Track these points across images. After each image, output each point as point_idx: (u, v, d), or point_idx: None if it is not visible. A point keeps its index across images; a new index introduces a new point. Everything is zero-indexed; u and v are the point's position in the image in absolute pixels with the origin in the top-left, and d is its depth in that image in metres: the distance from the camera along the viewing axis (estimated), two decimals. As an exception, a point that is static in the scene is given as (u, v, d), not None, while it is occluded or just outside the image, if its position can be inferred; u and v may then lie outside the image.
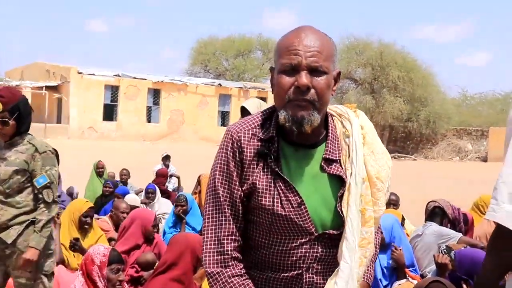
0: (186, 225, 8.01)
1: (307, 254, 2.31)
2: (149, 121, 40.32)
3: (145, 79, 39.73)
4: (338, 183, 2.33)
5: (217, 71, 53.44)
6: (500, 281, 2.58)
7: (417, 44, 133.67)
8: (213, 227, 2.32)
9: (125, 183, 11.69)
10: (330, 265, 2.35)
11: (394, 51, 43.65)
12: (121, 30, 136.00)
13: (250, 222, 2.34)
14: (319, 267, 2.34)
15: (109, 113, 38.79)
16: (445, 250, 5.71)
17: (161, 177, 11.97)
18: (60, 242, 5.97)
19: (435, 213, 6.99)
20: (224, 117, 42.76)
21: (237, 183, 2.30)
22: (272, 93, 2.33)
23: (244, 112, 6.78)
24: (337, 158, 2.34)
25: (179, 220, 7.97)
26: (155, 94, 40.38)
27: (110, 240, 6.76)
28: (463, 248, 6.13)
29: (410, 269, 6.20)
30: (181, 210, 7.95)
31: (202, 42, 54.39)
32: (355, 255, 2.32)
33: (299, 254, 2.31)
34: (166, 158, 14.75)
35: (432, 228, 6.74)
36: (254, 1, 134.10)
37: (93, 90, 37.69)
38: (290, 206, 2.26)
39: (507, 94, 51.75)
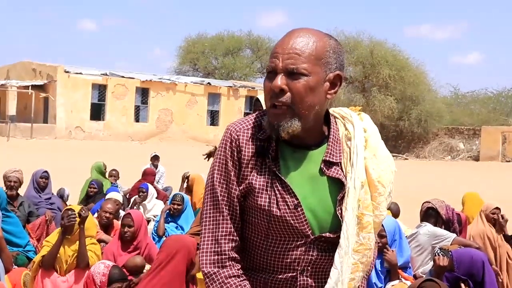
0: (176, 223, 8.12)
1: (302, 256, 2.29)
2: (137, 120, 40.16)
3: (133, 78, 39.57)
4: (337, 186, 2.30)
5: (206, 69, 53.33)
6: None
7: (411, 43, 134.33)
8: (211, 227, 2.30)
9: (114, 183, 11.55)
10: (325, 269, 2.32)
11: (385, 49, 43.71)
12: (110, 29, 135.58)
13: (246, 223, 2.32)
14: (313, 270, 2.31)
15: (97, 112, 38.58)
16: (442, 252, 5.68)
17: (150, 176, 11.84)
18: (58, 248, 5.79)
19: (429, 214, 7.04)
20: (213, 116, 42.66)
21: (235, 183, 2.28)
22: None
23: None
24: (338, 160, 2.31)
25: (171, 218, 8.02)
26: (144, 93, 40.21)
27: (99, 241, 6.60)
28: (458, 248, 6.12)
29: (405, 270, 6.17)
30: (176, 209, 8.08)
31: (191, 41, 54.28)
32: (349, 260, 2.28)
33: (293, 257, 2.29)
34: (154, 158, 14.64)
35: (426, 228, 6.79)
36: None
37: (80, 89, 37.46)
38: (286, 207, 2.24)
39: (499, 92, 51.91)
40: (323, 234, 2.28)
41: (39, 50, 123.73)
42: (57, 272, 5.81)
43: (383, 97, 41.36)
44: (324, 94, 2.26)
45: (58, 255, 5.84)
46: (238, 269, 2.28)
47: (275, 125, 2.21)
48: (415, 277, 6.48)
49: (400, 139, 42.95)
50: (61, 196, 9.97)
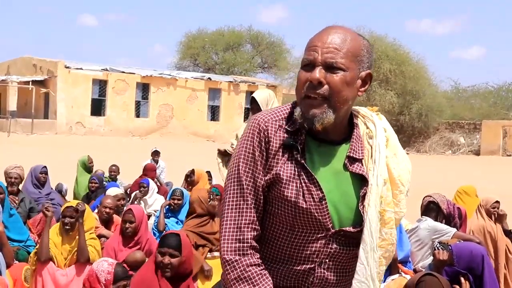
0: (176, 218, 8.14)
1: (322, 249, 2.33)
2: (137, 116, 40.10)
3: (134, 73, 39.49)
4: (359, 182, 2.36)
5: (206, 65, 53.27)
6: None
7: (411, 38, 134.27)
8: (234, 214, 2.31)
9: (114, 179, 11.57)
10: (342, 263, 2.38)
11: (386, 43, 43.61)
12: (111, 24, 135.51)
13: (267, 213, 2.36)
14: (331, 263, 2.36)
15: (97, 108, 38.53)
16: (441, 246, 5.69)
17: (150, 171, 11.84)
18: (48, 238, 5.82)
19: (430, 208, 7.03)
20: (214, 111, 42.61)
21: (261, 172, 2.31)
22: None
23: (254, 102, 6.72)
24: (361, 157, 2.37)
25: (171, 213, 8.03)
26: (144, 88, 40.15)
27: (100, 236, 6.61)
28: (458, 242, 6.12)
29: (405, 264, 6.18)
30: (176, 204, 8.10)
31: (191, 36, 54.21)
32: (374, 255, 2.36)
33: (313, 249, 2.33)
34: (155, 154, 14.63)
35: (427, 223, 6.79)
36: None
37: (81, 84, 37.40)
38: (311, 199, 2.28)
39: (500, 86, 51.78)
40: (344, 228, 2.33)
41: (40, 46, 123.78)
42: (55, 265, 5.82)
43: (383, 92, 41.29)
44: (356, 91, 2.32)
45: (57, 248, 5.85)
46: (258, 258, 2.30)
47: (310, 116, 2.26)
48: (415, 271, 6.49)
49: (400, 133, 42.84)
50: (60, 191, 9.98)
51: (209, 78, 42.56)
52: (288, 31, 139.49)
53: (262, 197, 2.32)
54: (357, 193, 2.34)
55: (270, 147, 2.31)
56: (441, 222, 6.96)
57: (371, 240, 2.33)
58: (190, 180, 10.17)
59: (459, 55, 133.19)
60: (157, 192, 10.32)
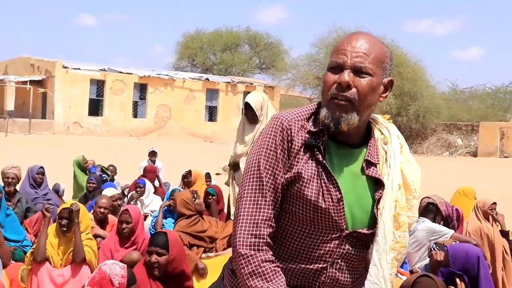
0: (174, 219, 8.01)
1: (335, 249, 2.38)
2: (135, 116, 40.06)
3: (131, 74, 39.42)
4: (374, 186, 2.42)
5: (204, 65, 53.23)
6: None
7: (410, 38, 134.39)
8: (252, 210, 2.33)
9: (111, 179, 11.57)
10: (353, 264, 2.44)
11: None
12: (110, 24, 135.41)
13: (283, 211, 2.39)
14: (343, 263, 2.41)
15: (95, 108, 38.47)
16: (438, 247, 5.70)
17: (150, 173, 11.83)
18: (45, 239, 5.81)
19: (429, 210, 7.03)
20: (211, 112, 42.59)
21: (282, 170, 2.34)
22: None
23: (248, 107, 6.70)
24: (376, 162, 2.44)
25: (169, 213, 7.98)
26: (142, 89, 40.11)
27: (95, 236, 6.60)
28: (454, 243, 6.13)
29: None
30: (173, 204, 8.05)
31: (189, 36, 54.16)
32: (387, 257, 2.41)
33: (327, 249, 2.38)
34: (152, 154, 14.63)
35: (425, 224, 6.79)
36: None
37: (79, 84, 37.36)
38: (330, 200, 2.33)
39: (498, 88, 51.74)
40: (357, 230, 2.39)
41: (38, 46, 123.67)
42: (51, 266, 5.81)
43: (381, 93, 41.24)
44: (378, 97, 2.40)
45: (54, 249, 5.84)
46: (271, 255, 2.33)
47: (336, 116, 2.31)
48: (411, 272, 6.49)
49: (398, 135, 42.86)
50: (57, 191, 9.98)
51: (207, 79, 42.53)
52: (288, 31, 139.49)
53: (280, 195, 2.36)
54: (373, 196, 2.41)
55: (293, 146, 2.35)
56: (439, 223, 6.96)
57: (385, 242, 2.40)
58: (187, 181, 10.16)
59: (458, 56, 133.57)
60: (155, 193, 10.32)
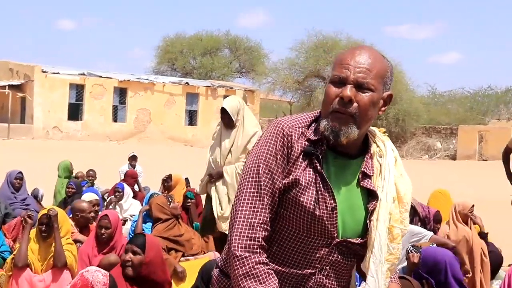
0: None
1: (325, 256, 2.43)
2: (115, 120, 39.87)
3: (111, 78, 39.27)
4: (368, 197, 2.46)
5: (184, 69, 53.13)
6: None
7: (390, 43, 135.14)
8: (248, 213, 2.36)
9: (91, 183, 11.51)
10: (341, 271, 2.50)
11: (363, 49, 43.70)
12: (89, 29, 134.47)
13: (278, 216, 2.43)
14: (331, 270, 2.46)
15: (75, 112, 38.25)
16: (414, 250, 5.73)
17: (130, 178, 11.79)
18: (27, 244, 5.78)
19: (406, 212, 6.99)
20: (191, 116, 42.51)
21: (280, 175, 2.38)
22: None
23: (224, 112, 6.70)
24: (371, 174, 2.47)
25: (149, 218, 7.88)
26: (121, 93, 39.96)
27: (75, 241, 6.57)
28: (430, 246, 6.16)
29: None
30: None
31: (169, 40, 54.04)
32: (382, 268, 2.46)
33: (317, 255, 2.42)
34: (133, 159, 14.58)
35: (404, 226, 6.74)
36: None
37: (58, 89, 37.14)
38: (325, 208, 2.37)
39: (476, 92, 52.13)
40: (348, 239, 2.44)
41: (17, 50, 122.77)
42: (32, 271, 5.77)
43: (361, 97, 41.38)
44: (378, 111, 2.43)
45: (34, 254, 5.81)
46: (265, 257, 2.37)
47: (336, 129, 2.35)
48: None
49: (378, 138, 43.01)
50: (35, 196, 9.92)
51: (187, 83, 42.45)
52: (268, 35, 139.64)
53: (277, 200, 2.39)
54: (365, 207, 2.45)
55: (292, 153, 2.39)
56: (417, 225, 7.01)
57: (380, 254, 2.44)
58: (167, 185, 10.15)
59: (436, 60, 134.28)
60: (134, 197, 10.29)
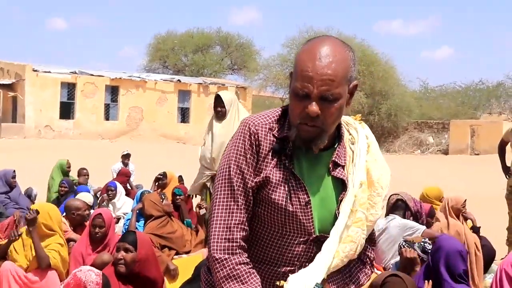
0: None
1: (303, 253, 2.41)
2: (107, 118, 39.78)
3: (103, 76, 39.17)
4: (340, 187, 2.43)
5: (176, 67, 53.05)
6: None
7: (382, 38, 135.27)
8: (224, 214, 2.35)
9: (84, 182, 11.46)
10: None
11: (354, 44, 43.75)
12: (81, 27, 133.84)
13: (255, 215, 2.42)
14: None
15: (66, 111, 38.15)
16: (407, 245, 5.70)
17: (123, 176, 11.78)
18: (40, 247, 5.81)
19: (398, 206, 7.08)
20: (184, 113, 42.42)
21: (252, 174, 2.36)
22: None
23: (218, 99, 6.80)
24: (343, 163, 2.44)
25: (142, 216, 7.93)
26: (113, 91, 39.86)
27: (69, 240, 6.56)
28: (423, 240, 6.09)
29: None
30: None
31: (160, 38, 53.95)
32: (333, 247, 2.38)
33: (295, 252, 2.41)
34: (125, 157, 14.54)
35: (396, 221, 6.82)
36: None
37: (49, 88, 37.03)
38: (298, 203, 2.35)
39: (468, 86, 52.14)
40: (325, 235, 2.40)
41: (7, 49, 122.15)
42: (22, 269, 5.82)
43: (352, 92, 41.42)
44: (346, 106, 2.37)
45: (21, 252, 5.83)
46: (246, 257, 2.36)
47: (307, 140, 2.32)
48: (384, 269, 6.51)
49: (370, 133, 43.03)
50: (29, 195, 9.91)
51: (179, 80, 42.37)
52: (259, 32, 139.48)
53: (251, 199, 2.38)
54: (337, 198, 2.43)
55: (261, 150, 2.36)
56: (409, 219, 7.02)
57: (335, 233, 2.39)
58: (162, 182, 10.14)
59: (428, 55, 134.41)
60: (127, 195, 10.28)
